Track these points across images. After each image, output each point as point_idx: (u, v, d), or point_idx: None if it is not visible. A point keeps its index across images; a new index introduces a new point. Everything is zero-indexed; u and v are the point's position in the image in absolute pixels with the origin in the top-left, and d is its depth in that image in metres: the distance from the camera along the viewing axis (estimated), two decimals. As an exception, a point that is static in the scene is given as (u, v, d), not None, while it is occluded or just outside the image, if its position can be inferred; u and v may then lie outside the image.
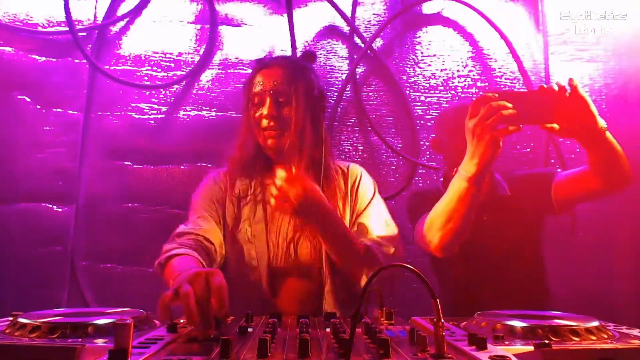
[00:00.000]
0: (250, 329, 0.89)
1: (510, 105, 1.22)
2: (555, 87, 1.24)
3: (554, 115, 1.25)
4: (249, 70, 2.22)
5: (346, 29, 2.28)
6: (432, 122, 2.19)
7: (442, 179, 1.76)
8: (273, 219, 1.43)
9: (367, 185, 1.51)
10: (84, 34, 2.21)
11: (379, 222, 1.45)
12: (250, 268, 1.39)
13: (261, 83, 1.42)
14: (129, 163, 2.16)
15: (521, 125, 1.22)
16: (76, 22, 2.18)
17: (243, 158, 1.47)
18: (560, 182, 1.57)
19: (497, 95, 1.24)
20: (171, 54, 2.24)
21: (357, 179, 1.50)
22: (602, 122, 1.28)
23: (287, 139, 1.40)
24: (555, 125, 1.25)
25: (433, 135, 1.83)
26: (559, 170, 1.73)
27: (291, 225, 1.41)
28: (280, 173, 1.26)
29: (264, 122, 1.40)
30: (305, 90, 1.44)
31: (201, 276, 0.90)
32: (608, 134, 1.30)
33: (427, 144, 2.21)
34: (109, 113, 2.19)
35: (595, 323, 0.84)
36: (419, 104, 2.24)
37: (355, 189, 1.49)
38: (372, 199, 1.48)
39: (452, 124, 1.61)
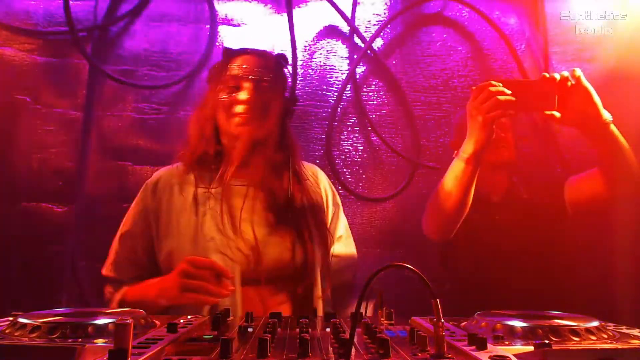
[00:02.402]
0: (250, 329, 0.89)
1: (508, 91, 1.27)
2: (557, 77, 1.27)
3: (554, 104, 1.27)
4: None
5: (346, 29, 2.28)
6: (432, 122, 2.19)
7: None
8: (231, 219, 1.31)
9: (334, 191, 1.56)
10: (84, 34, 2.21)
11: (344, 232, 1.51)
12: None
13: (243, 67, 1.35)
14: (129, 163, 2.16)
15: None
16: (76, 22, 2.18)
17: (206, 150, 1.38)
18: (571, 184, 1.59)
19: (500, 83, 1.29)
20: (171, 54, 2.24)
21: (327, 183, 1.54)
22: (606, 115, 1.30)
23: (262, 129, 1.34)
24: (556, 113, 1.28)
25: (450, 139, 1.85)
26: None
27: (257, 225, 1.31)
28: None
29: (239, 108, 1.33)
30: (283, 86, 1.44)
31: (188, 268, 1.04)
32: (613, 127, 1.31)
33: (427, 144, 2.21)
34: (109, 113, 2.19)
35: (595, 323, 0.84)
36: (419, 104, 2.24)
37: (327, 192, 1.52)
38: (340, 205, 1.54)
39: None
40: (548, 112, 1.28)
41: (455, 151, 1.42)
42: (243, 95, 1.33)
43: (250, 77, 1.34)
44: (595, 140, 1.35)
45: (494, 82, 1.30)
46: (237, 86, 1.35)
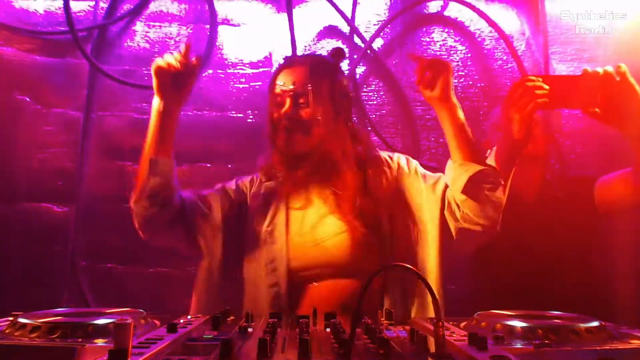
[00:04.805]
0: (250, 329, 0.89)
1: (545, 86, 1.21)
2: (600, 72, 1.22)
3: (596, 100, 1.22)
4: (249, 70, 2.25)
5: (346, 29, 2.28)
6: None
7: None
8: (296, 220, 1.35)
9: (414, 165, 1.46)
10: (84, 33, 2.21)
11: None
12: (268, 271, 1.30)
13: (282, 84, 1.36)
14: (129, 163, 2.16)
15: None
16: (76, 22, 2.18)
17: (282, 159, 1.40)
18: (602, 184, 1.55)
19: (539, 78, 1.24)
20: (171, 54, 2.23)
21: (399, 164, 1.45)
22: None
23: (304, 144, 1.34)
24: (597, 110, 1.23)
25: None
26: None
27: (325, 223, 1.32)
28: None
29: (283, 122, 1.34)
30: (329, 92, 1.37)
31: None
32: None
33: (427, 144, 2.21)
34: (109, 113, 2.19)
35: (595, 323, 0.84)
36: (419, 104, 2.24)
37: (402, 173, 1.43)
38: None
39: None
40: (590, 110, 1.23)
41: (489, 150, 1.38)
42: (283, 110, 1.34)
43: (290, 93, 1.34)
44: (636, 139, 1.28)
45: (532, 77, 1.24)
46: (281, 103, 1.36)
